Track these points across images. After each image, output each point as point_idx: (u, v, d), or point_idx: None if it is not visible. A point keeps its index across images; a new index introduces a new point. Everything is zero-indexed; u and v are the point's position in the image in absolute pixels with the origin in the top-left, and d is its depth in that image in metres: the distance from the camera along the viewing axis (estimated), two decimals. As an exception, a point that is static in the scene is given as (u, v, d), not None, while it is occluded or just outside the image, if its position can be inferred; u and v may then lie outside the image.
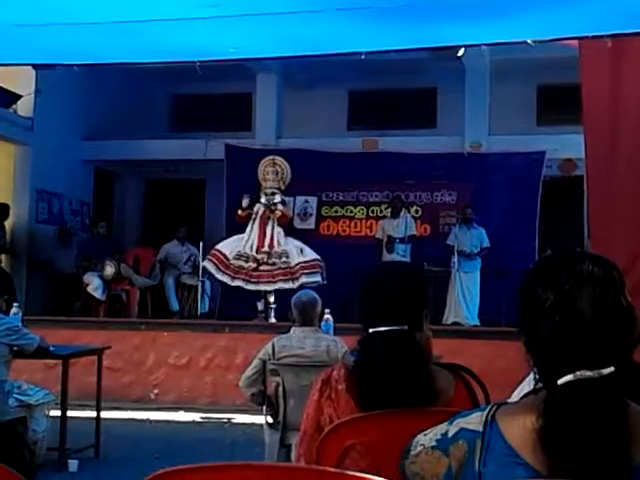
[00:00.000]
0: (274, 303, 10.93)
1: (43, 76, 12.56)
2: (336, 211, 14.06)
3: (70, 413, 7.03)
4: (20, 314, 7.60)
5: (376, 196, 13.97)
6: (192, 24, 4.38)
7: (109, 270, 12.73)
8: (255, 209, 11.43)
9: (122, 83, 13.99)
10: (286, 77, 14.42)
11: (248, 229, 11.48)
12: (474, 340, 9.79)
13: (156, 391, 10.25)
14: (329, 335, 5.69)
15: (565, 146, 12.38)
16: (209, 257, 11.45)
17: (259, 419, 6.27)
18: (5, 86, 12.47)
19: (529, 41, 5.09)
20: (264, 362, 5.47)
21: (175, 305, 13.29)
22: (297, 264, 11.06)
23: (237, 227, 13.50)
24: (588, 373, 1.56)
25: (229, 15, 4.23)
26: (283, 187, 11.68)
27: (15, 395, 6.54)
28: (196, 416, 9.58)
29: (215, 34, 4.63)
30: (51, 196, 13.99)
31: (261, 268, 11.23)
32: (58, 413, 6.87)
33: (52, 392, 6.93)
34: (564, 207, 13.93)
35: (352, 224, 14.01)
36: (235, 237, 11.67)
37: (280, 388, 5.38)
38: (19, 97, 13.06)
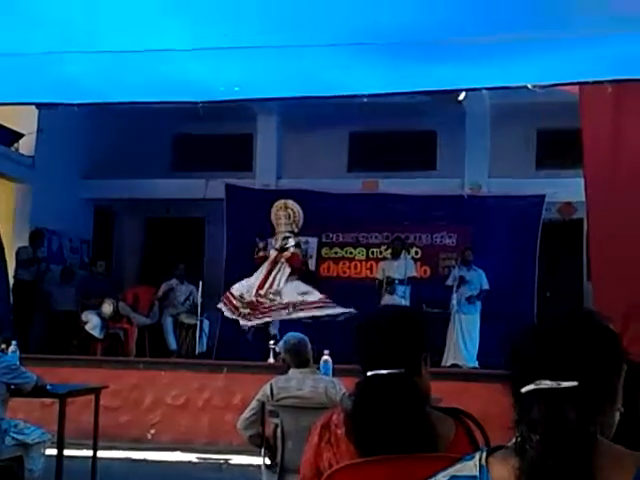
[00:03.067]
0: (274, 344, 10.90)
1: (45, 115, 12.62)
2: (336, 252, 14.06)
3: (66, 452, 6.97)
4: (18, 352, 7.57)
5: (376, 237, 13.98)
6: (196, 56, 4.40)
7: (107, 308, 12.71)
8: (269, 252, 11.52)
9: (123, 123, 14.03)
10: (287, 118, 14.49)
11: (257, 272, 11.56)
12: (473, 382, 9.73)
13: (153, 431, 10.17)
14: (327, 376, 5.66)
15: (564, 190, 12.43)
16: (224, 301, 11.55)
17: (257, 460, 6.22)
18: (7, 125, 12.54)
19: (529, 85, 5.12)
20: (262, 403, 5.44)
21: (173, 344, 13.23)
22: (300, 302, 11.11)
23: (237, 267, 13.56)
24: (547, 382, 1.57)
25: (232, 47, 4.25)
26: (296, 230, 11.77)
27: (12, 434, 6.48)
28: (193, 457, 9.50)
29: (218, 69, 4.65)
30: (51, 234, 13.98)
31: (259, 308, 11.28)
32: (54, 452, 6.81)
33: (49, 431, 6.87)
34: (563, 250, 13.94)
35: (352, 265, 14.01)
36: (243, 282, 11.74)
37: (278, 430, 5.34)
38: (21, 136, 13.12)
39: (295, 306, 11.10)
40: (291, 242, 11.55)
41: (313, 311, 11.10)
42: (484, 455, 1.64)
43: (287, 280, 11.42)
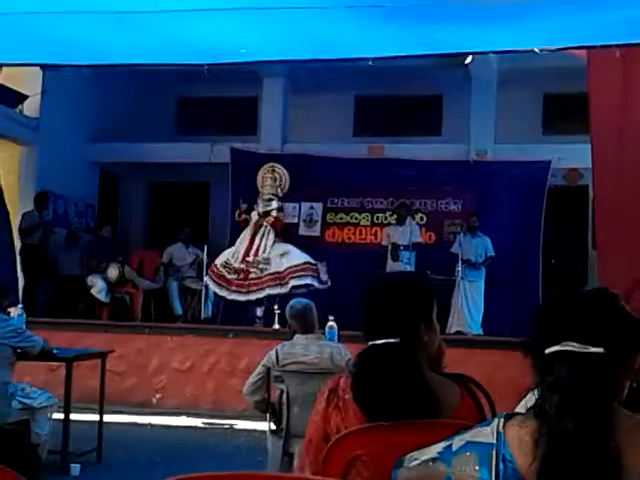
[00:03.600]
0: (278, 309, 10.92)
1: (50, 77, 12.57)
2: (341, 218, 14.02)
3: (73, 416, 7.02)
4: (24, 316, 7.60)
5: (381, 203, 13.94)
6: (203, 17, 4.35)
7: (113, 272, 12.74)
8: (252, 216, 11.51)
9: (129, 86, 14.01)
10: (292, 82, 14.41)
11: (240, 238, 11.56)
12: (478, 349, 9.76)
13: (159, 395, 10.24)
14: (333, 342, 5.67)
15: (570, 155, 12.39)
16: (210, 273, 11.54)
17: (262, 426, 6.26)
18: (12, 86, 12.48)
19: (536, 49, 5.07)
20: (268, 369, 5.46)
21: (179, 309, 13.28)
22: (285, 269, 11.11)
23: (242, 231, 13.54)
24: (574, 344, 1.59)
25: (239, 7, 4.20)
26: (281, 194, 11.75)
27: (18, 398, 6.53)
28: (198, 422, 9.56)
29: (225, 30, 4.61)
30: (56, 197, 13.97)
31: (250, 277, 11.27)
32: (61, 416, 6.86)
33: (55, 395, 6.92)
34: (569, 216, 13.91)
35: (357, 231, 13.97)
36: (229, 249, 11.78)
37: (284, 395, 5.36)
38: (25, 97, 13.07)
39: (283, 277, 11.11)
40: (274, 204, 11.55)
41: (303, 279, 11.10)
42: (502, 421, 1.65)
43: (272, 245, 11.42)
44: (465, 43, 5.25)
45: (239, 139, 14.70)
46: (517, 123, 13.88)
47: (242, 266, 11.32)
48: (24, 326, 7.06)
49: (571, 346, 1.59)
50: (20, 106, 13.24)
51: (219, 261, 11.58)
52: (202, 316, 12.59)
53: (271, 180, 11.67)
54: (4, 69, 10.21)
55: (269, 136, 14.66)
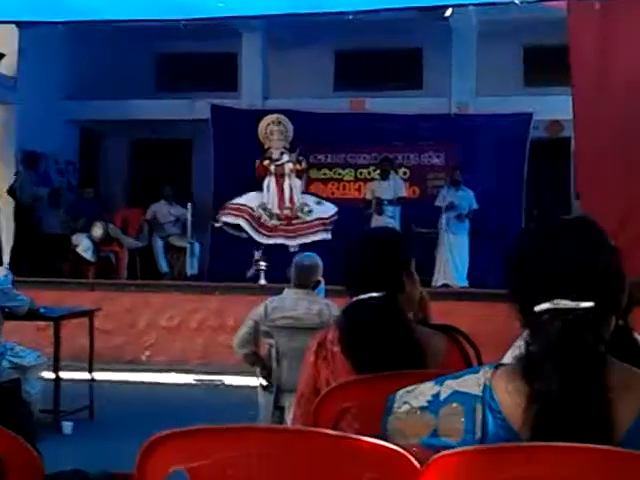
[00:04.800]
0: (266, 265, 10.96)
1: (26, 35, 12.42)
2: (324, 174, 13.99)
3: (63, 375, 7.08)
4: (10, 276, 7.60)
5: (364, 158, 13.92)
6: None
7: (97, 231, 12.71)
8: (269, 168, 11.46)
9: (106, 42, 13.83)
10: (272, 37, 14.29)
11: (265, 185, 11.48)
12: (463, 302, 9.86)
13: (148, 353, 10.31)
14: (322, 298, 5.72)
15: (552, 107, 12.39)
16: (232, 212, 11.40)
17: (252, 381, 6.33)
18: (-13, 45, 12.36)
19: (517, 1, 5.10)
20: (257, 323, 5.49)
21: (164, 267, 13.29)
22: (329, 216, 11.14)
23: (226, 187, 13.55)
24: (566, 302, 1.54)
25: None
26: (288, 146, 11.69)
27: (8, 357, 6.57)
28: (189, 378, 9.63)
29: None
30: (37, 156, 13.88)
31: (294, 222, 11.24)
32: (51, 375, 6.92)
33: (44, 354, 6.96)
34: (551, 168, 13.97)
35: (340, 186, 13.96)
36: (253, 193, 11.69)
37: (273, 350, 5.42)
38: (2, 56, 12.91)
39: (327, 224, 11.13)
40: (285, 157, 11.51)
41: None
42: (489, 372, 1.61)
43: (302, 194, 11.42)
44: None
45: (220, 95, 14.59)
46: (498, 76, 13.85)
47: (279, 212, 11.26)
48: (10, 285, 7.07)
49: (562, 304, 1.53)
50: (-4, 65, 13.11)
51: (253, 203, 11.42)
52: (188, 273, 12.62)
53: (278, 133, 11.61)
54: (-20, 27, 10.07)
55: (250, 92, 14.57)
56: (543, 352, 1.52)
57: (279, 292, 5.72)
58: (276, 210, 11.32)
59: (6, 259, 12.09)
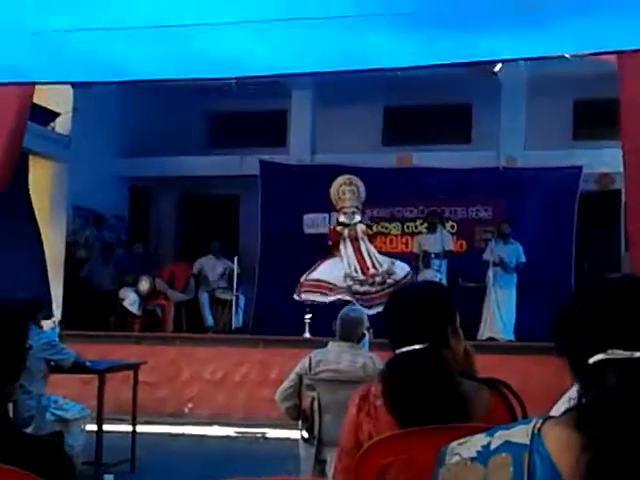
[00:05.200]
0: (310, 318, 10.91)
1: (80, 94, 12.69)
2: (371, 228, 13.99)
3: (106, 427, 7.07)
4: (57, 329, 7.67)
5: (411, 212, 13.92)
6: (230, 30, 4.38)
7: (145, 285, 12.83)
8: (342, 231, 11.42)
9: (158, 100, 14.10)
10: (321, 94, 14.44)
11: (342, 252, 11.41)
12: (510, 355, 9.72)
13: (191, 405, 10.28)
14: (366, 351, 5.66)
15: (602, 160, 12.28)
16: (309, 289, 11.32)
17: (293, 434, 6.26)
18: (43, 104, 12.62)
19: (566, 55, 5.03)
20: (300, 376, 5.46)
21: (210, 320, 13.33)
22: (401, 278, 11.05)
23: (272, 242, 13.61)
24: (621, 352, 1.54)
25: (265, 20, 4.22)
26: (360, 206, 11.70)
27: (52, 410, 6.59)
28: (230, 431, 9.59)
29: (253, 43, 4.62)
30: (88, 212, 14.10)
31: (373, 290, 11.17)
32: (94, 428, 6.91)
33: (88, 407, 6.96)
34: (601, 222, 13.80)
35: (388, 240, 13.92)
36: (327, 263, 11.57)
37: (316, 403, 5.36)
38: (57, 115, 13.21)
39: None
40: (357, 218, 11.50)
41: None
42: (539, 422, 1.61)
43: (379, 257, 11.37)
44: (494, 51, 5.22)
45: (268, 151, 14.76)
46: (547, 129, 13.80)
47: (365, 278, 11.21)
48: (57, 339, 7.12)
49: (617, 354, 1.54)
50: (52, 124, 13.39)
51: (332, 276, 11.32)
52: (233, 326, 12.63)
53: (350, 193, 11.63)
54: (36, 88, 10.31)
55: (298, 147, 14.69)
56: (599, 401, 1.53)
57: (324, 345, 5.67)
58: (362, 277, 11.21)
59: (57, 313, 12.21)
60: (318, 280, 11.34)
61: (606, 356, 1.55)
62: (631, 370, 1.53)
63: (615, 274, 1.76)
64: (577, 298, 1.69)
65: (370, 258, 11.29)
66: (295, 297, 11.41)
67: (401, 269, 11.20)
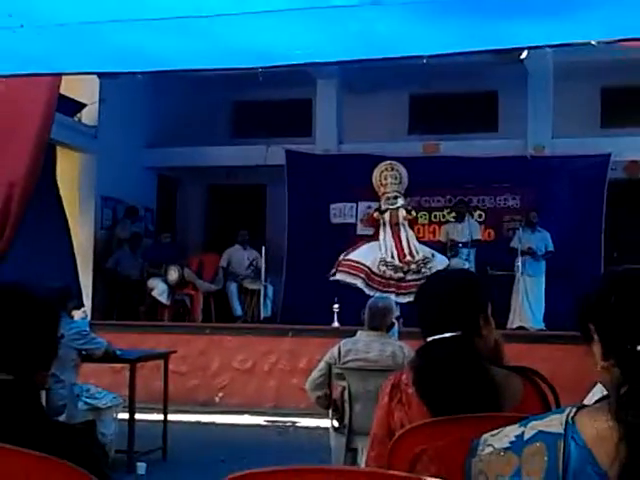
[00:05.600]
0: (338, 308, 10.93)
1: (107, 85, 12.75)
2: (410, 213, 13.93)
3: (137, 416, 7.14)
4: (88, 319, 7.73)
5: (438, 201, 13.86)
6: (256, 19, 4.38)
7: (173, 275, 12.90)
8: (383, 215, 11.44)
9: (184, 91, 14.14)
10: (346, 82, 14.41)
11: (380, 236, 11.46)
12: (540, 344, 9.70)
13: (221, 394, 10.35)
14: (395, 340, 5.67)
15: (630, 148, 12.21)
16: (346, 270, 11.36)
17: (323, 423, 6.30)
18: (70, 95, 12.70)
19: (593, 42, 5.01)
20: (330, 365, 5.48)
21: (238, 310, 13.38)
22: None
23: (299, 231, 13.64)
24: None
25: (291, 8, 4.22)
26: (403, 191, 11.71)
27: (84, 399, 6.66)
28: (261, 419, 9.64)
29: (279, 32, 4.63)
30: (115, 203, 14.18)
31: (408, 278, 11.17)
32: (126, 416, 6.98)
33: (119, 395, 7.03)
34: (630, 209, 13.70)
35: (415, 229, 13.90)
36: (368, 245, 11.65)
37: (346, 392, 5.38)
38: (84, 106, 13.28)
39: None
40: (400, 202, 11.51)
41: None
42: (573, 411, 1.62)
43: (419, 245, 11.36)
44: (520, 37, 5.20)
45: (294, 141, 14.75)
46: (575, 117, 13.70)
47: (402, 265, 11.23)
48: (88, 328, 7.19)
49: None
50: (78, 114, 13.46)
51: (369, 260, 11.36)
52: (261, 316, 12.68)
53: (392, 178, 11.67)
54: (63, 78, 10.38)
55: (324, 137, 14.68)
56: None
57: (352, 334, 5.69)
58: (397, 262, 11.21)
59: (87, 303, 12.32)
60: (354, 261, 11.37)
61: None
62: None
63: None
64: (613, 286, 1.68)
65: (408, 245, 11.29)
66: (330, 276, 11.43)
67: (440, 261, 11.15)
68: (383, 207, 11.52)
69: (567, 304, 11.12)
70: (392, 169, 11.72)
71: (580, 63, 12.24)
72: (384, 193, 11.58)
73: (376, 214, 11.64)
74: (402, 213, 11.47)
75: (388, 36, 4.96)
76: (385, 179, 11.65)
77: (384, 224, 11.42)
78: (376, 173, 11.75)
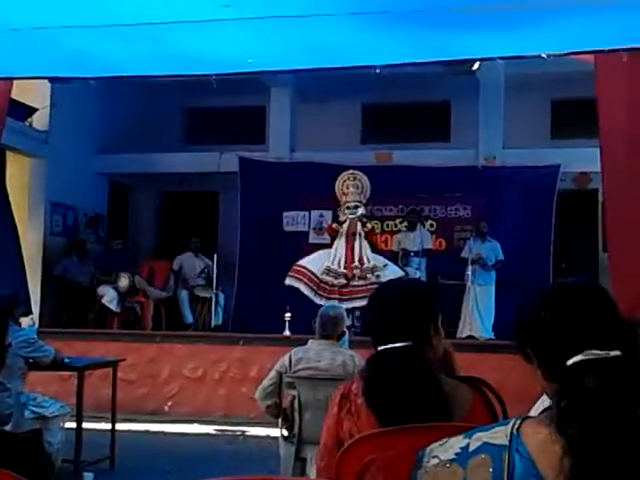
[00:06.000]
0: (289, 316, 10.91)
1: (58, 89, 12.60)
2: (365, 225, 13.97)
3: (85, 425, 7.05)
4: (35, 326, 7.63)
5: (390, 210, 13.93)
6: (209, 28, 4.38)
7: (124, 282, 12.78)
8: (342, 225, 11.45)
9: (136, 97, 14.04)
10: (299, 91, 14.43)
11: (334, 245, 11.47)
12: (489, 354, 9.75)
13: (170, 403, 10.26)
14: (346, 349, 5.67)
15: (579, 159, 12.36)
16: (294, 275, 11.36)
17: (273, 432, 6.27)
18: (21, 99, 12.54)
19: (544, 55, 5.08)
20: (280, 374, 5.46)
21: (189, 318, 13.31)
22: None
23: (252, 240, 13.60)
24: (597, 352, 1.58)
25: (244, 17, 4.22)
26: (364, 201, 11.72)
27: (31, 407, 6.57)
28: (210, 428, 9.58)
29: (231, 40, 4.63)
30: (66, 209, 14.02)
31: (353, 283, 11.17)
32: (73, 425, 6.89)
33: (67, 404, 6.94)
34: (579, 220, 13.89)
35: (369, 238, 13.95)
36: (320, 252, 11.68)
37: (296, 401, 5.36)
38: (35, 110, 13.12)
39: None
40: (360, 211, 11.53)
41: None
42: (517, 423, 1.63)
43: (371, 255, 11.36)
44: (472, 49, 5.27)
45: (247, 148, 14.73)
46: (525, 128, 13.87)
47: (346, 272, 11.23)
48: (35, 336, 7.09)
49: (594, 354, 1.58)
50: (29, 119, 13.29)
51: (315, 266, 11.37)
52: (212, 324, 12.61)
53: (353, 187, 11.67)
54: (14, 83, 10.28)
55: (277, 144, 14.68)
56: (580, 402, 1.55)
57: (304, 343, 5.68)
58: (342, 270, 11.25)
59: (35, 310, 12.14)
60: (301, 266, 11.40)
61: (584, 357, 1.58)
62: (608, 369, 1.56)
63: (574, 279, 1.78)
64: (541, 303, 1.71)
65: (360, 254, 11.31)
66: (286, 281, 11.45)
67: (392, 272, 11.17)
68: (342, 217, 11.54)
69: (516, 315, 11.33)
70: (354, 178, 11.74)
71: (531, 75, 12.41)
72: (345, 202, 11.60)
73: (335, 225, 11.67)
74: (360, 223, 11.51)
75: (340, 46, 4.98)
76: (347, 188, 11.66)
77: (341, 234, 11.45)
78: (338, 182, 11.78)
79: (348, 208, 11.51)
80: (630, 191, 7.05)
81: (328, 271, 11.26)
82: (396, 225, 13.73)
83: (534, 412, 2.30)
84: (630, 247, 7.04)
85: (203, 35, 4.55)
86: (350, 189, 11.63)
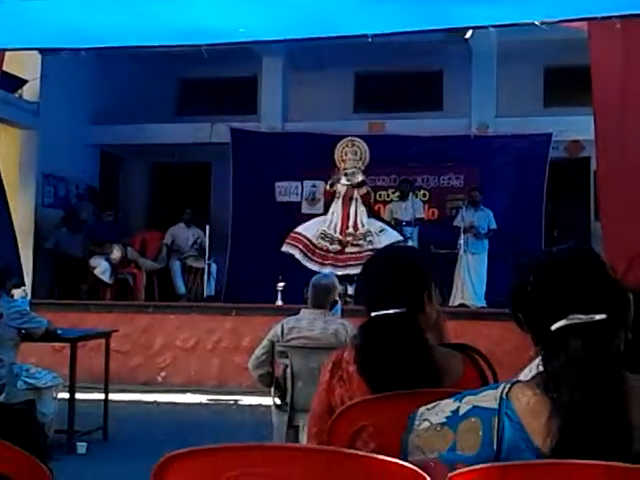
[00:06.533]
0: (281, 286, 10.92)
1: (49, 61, 12.52)
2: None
3: (78, 396, 7.07)
4: (28, 298, 7.63)
5: (383, 180, 13.92)
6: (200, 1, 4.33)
7: (116, 253, 12.78)
8: (338, 189, 11.44)
9: (128, 67, 13.97)
10: (292, 60, 14.37)
11: (330, 210, 11.48)
12: (481, 321, 9.81)
13: (163, 373, 10.30)
14: (338, 318, 5.68)
15: (572, 128, 12.34)
16: (290, 242, 11.36)
17: (266, 401, 6.30)
18: (11, 71, 12.44)
19: (536, 22, 5.04)
20: (273, 343, 5.48)
21: (182, 288, 13.32)
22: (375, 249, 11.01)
23: (244, 210, 13.58)
24: (581, 316, 1.60)
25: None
26: (363, 167, 11.70)
27: (23, 378, 6.58)
28: (203, 398, 9.63)
29: (223, 10, 4.58)
30: (57, 180, 13.98)
31: (347, 250, 11.18)
32: (66, 396, 6.91)
33: (60, 375, 6.95)
34: (571, 188, 13.91)
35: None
36: (316, 219, 11.69)
37: (288, 370, 5.38)
38: (25, 82, 13.02)
39: None
40: (359, 177, 11.51)
41: None
42: (507, 387, 1.65)
43: (367, 220, 11.36)
44: (465, 18, 5.22)
45: (239, 119, 14.69)
46: (518, 97, 13.83)
47: (341, 238, 11.24)
48: (28, 307, 7.09)
49: (578, 318, 1.60)
50: (20, 91, 13.20)
51: (311, 232, 11.37)
52: (205, 294, 12.63)
53: (352, 154, 11.65)
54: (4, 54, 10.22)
55: (269, 115, 14.63)
56: (565, 366, 1.57)
57: (296, 312, 5.69)
58: (338, 235, 11.25)
59: (27, 281, 12.13)
60: (297, 233, 11.41)
61: (568, 322, 1.60)
62: (592, 332, 1.58)
63: (566, 245, 1.79)
64: (530, 270, 1.73)
65: (355, 219, 11.32)
66: (282, 248, 11.44)
67: (389, 237, 11.16)
68: (342, 182, 11.52)
69: (508, 282, 11.38)
70: (352, 145, 11.73)
71: (524, 43, 12.35)
72: (344, 169, 11.59)
73: (332, 188, 11.66)
74: (359, 189, 11.50)
75: (333, 15, 4.94)
76: (345, 155, 11.66)
77: (338, 198, 11.44)
78: (337, 149, 11.77)
79: (346, 175, 11.51)
80: (622, 159, 7.04)
81: (324, 236, 11.27)
82: (388, 195, 13.73)
83: (524, 377, 2.30)
84: (622, 215, 7.03)
85: (194, 4, 4.50)
86: (348, 155, 11.63)
